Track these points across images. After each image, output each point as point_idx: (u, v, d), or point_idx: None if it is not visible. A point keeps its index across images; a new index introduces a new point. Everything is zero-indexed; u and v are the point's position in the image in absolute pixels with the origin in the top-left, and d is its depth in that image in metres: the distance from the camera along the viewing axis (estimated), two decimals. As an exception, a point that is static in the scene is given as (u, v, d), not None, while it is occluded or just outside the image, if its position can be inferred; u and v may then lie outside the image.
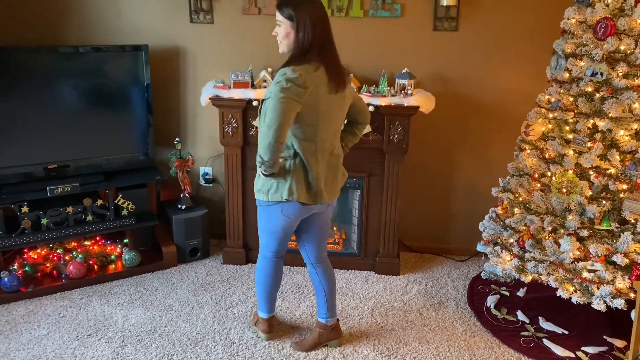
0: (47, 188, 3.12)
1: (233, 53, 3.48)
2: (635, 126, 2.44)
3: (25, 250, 3.35)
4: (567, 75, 2.66)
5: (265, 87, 3.20)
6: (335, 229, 3.63)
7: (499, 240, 2.91)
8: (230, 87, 3.19)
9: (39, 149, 3.17)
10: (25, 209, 3.08)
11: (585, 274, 2.44)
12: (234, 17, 3.42)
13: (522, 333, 2.80)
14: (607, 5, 2.48)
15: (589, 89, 2.55)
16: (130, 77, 3.31)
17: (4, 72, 3.00)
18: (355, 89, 2.42)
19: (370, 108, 3.07)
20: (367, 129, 3.13)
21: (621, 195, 2.45)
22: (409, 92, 3.13)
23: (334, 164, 2.36)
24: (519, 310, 2.96)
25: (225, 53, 3.50)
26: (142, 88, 3.33)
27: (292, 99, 2.09)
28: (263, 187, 2.30)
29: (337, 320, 2.70)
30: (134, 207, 3.38)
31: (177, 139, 3.49)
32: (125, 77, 3.31)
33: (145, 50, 3.28)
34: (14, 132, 3.08)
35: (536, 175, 2.78)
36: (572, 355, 2.63)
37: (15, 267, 3.19)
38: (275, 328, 2.79)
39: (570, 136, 2.60)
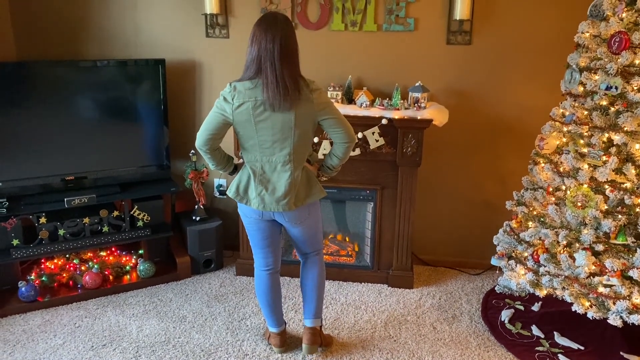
0: (65, 199, 3.17)
1: (248, 67, 3.52)
2: (651, 140, 2.43)
3: (43, 261, 3.40)
4: (581, 89, 2.66)
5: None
6: (347, 239, 3.64)
7: (513, 254, 2.89)
8: (245, 101, 3.23)
9: (57, 160, 3.23)
10: (43, 220, 3.13)
11: (601, 289, 2.41)
12: (249, 31, 3.45)
13: (537, 348, 2.77)
14: (622, 20, 2.48)
15: (604, 103, 2.54)
16: (147, 90, 3.36)
17: (24, 86, 3.07)
18: (328, 107, 2.30)
19: (384, 121, 3.09)
20: (380, 142, 3.15)
21: (637, 209, 2.43)
22: (422, 105, 3.14)
23: (285, 178, 2.35)
24: (533, 325, 2.94)
25: (240, 67, 3.47)
26: (158, 101, 3.39)
27: (217, 111, 2.31)
28: None
29: (314, 328, 2.69)
30: (149, 219, 3.42)
31: (192, 151, 3.53)
32: (142, 91, 3.37)
33: (162, 64, 3.34)
34: (32, 143, 3.14)
35: (551, 189, 2.76)
36: (588, 371, 2.60)
37: (32, 277, 3.24)
38: (288, 341, 2.79)
39: (585, 150, 2.59)
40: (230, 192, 2.47)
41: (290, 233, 2.58)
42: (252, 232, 2.57)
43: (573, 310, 2.49)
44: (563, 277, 2.53)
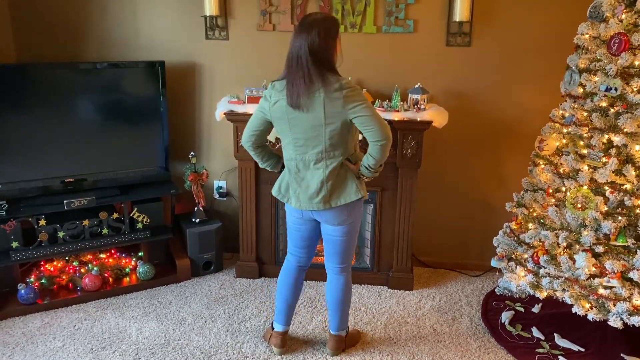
0: (64, 201, 3.17)
1: (248, 69, 3.53)
2: (650, 141, 2.42)
3: (42, 263, 3.40)
4: (581, 90, 2.65)
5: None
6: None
7: (513, 256, 2.89)
8: (244, 103, 3.24)
9: (57, 162, 3.22)
10: (42, 222, 3.13)
11: (601, 291, 2.41)
12: (249, 33, 3.47)
13: (537, 350, 2.76)
14: (621, 21, 2.47)
15: (604, 104, 2.53)
16: (147, 92, 3.36)
17: (24, 88, 3.06)
18: (359, 105, 2.26)
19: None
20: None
21: (637, 210, 2.43)
22: (422, 107, 3.14)
23: (317, 176, 2.38)
24: (534, 327, 2.93)
25: (240, 69, 3.55)
26: (158, 103, 3.39)
27: (258, 109, 2.43)
28: None
29: (338, 335, 2.73)
30: (149, 221, 3.41)
31: (192, 153, 3.53)
32: (142, 93, 3.37)
33: (162, 66, 3.33)
34: (32, 146, 3.14)
35: (550, 191, 2.76)
36: (589, 373, 2.60)
37: (32, 279, 3.23)
38: (288, 343, 2.79)
39: (585, 151, 2.58)
40: (274, 191, 2.57)
41: (325, 234, 2.57)
42: (292, 231, 2.65)
43: (573, 312, 2.49)
44: (563, 278, 2.53)
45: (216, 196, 3.83)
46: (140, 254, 3.55)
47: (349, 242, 2.56)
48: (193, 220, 3.59)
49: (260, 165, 2.60)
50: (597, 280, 2.41)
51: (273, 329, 2.78)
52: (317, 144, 2.34)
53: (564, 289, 2.53)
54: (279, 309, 2.73)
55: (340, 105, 2.26)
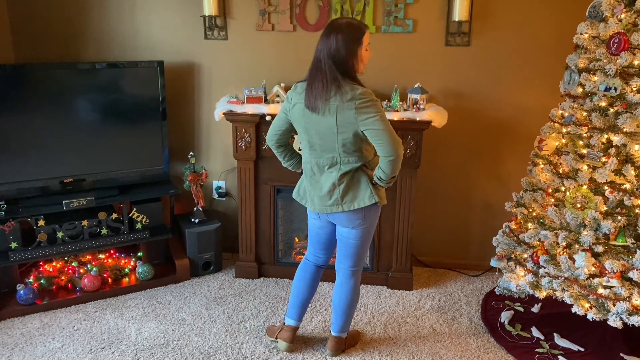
0: (63, 202, 3.17)
1: (247, 69, 3.53)
2: (650, 141, 2.42)
3: (41, 263, 3.39)
4: (580, 90, 2.65)
5: (278, 102, 3.24)
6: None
7: (512, 256, 2.89)
8: (243, 102, 3.24)
9: (56, 163, 3.22)
10: (41, 223, 3.12)
11: (600, 290, 2.41)
12: (248, 33, 3.47)
13: (537, 350, 2.76)
14: (620, 20, 2.47)
15: (603, 104, 2.53)
16: (145, 92, 3.35)
17: (23, 88, 3.06)
18: (370, 118, 2.22)
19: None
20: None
21: (636, 210, 2.43)
22: (422, 106, 3.14)
23: (330, 179, 2.39)
24: (533, 327, 2.93)
25: (239, 69, 3.54)
26: (157, 103, 3.38)
27: (282, 109, 2.48)
28: None
29: (339, 337, 2.73)
30: (148, 221, 3.41)
31: (191, 153, 3.52)
32: (140, 93, 3.36)
33: (161, 66, 3.33)
34: (31, 146, 3.13)
35: (550, 190, 2.76)
36: (589, 373, 2.59)
37: (31, 280, 3.23)
38: (295, 342, 2.79)
39: (584, 151, 2.58)
40: (294, 194, 2.62)
41: (340, 236, 2.58)
42: (311, 231, 2.69)
43: (573, 311, 2.49)
44: (563, 278, 2.53)
45: (215, 196, 3.83)
46: (139, 254, 3.55)
47: (362, 245, 2.57)
48: (192, 220, 3.58)
49: (283, 164, 2.62)
50: (596, 280, 2.41)
51: (284, 323, 2.79)
52: (331, 150, 2.36)
53: (563, 289, 2.53)
54: (292, 302, 2.74)
55: (352, 116, 2.24)
